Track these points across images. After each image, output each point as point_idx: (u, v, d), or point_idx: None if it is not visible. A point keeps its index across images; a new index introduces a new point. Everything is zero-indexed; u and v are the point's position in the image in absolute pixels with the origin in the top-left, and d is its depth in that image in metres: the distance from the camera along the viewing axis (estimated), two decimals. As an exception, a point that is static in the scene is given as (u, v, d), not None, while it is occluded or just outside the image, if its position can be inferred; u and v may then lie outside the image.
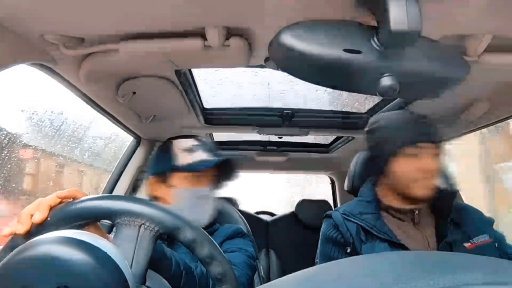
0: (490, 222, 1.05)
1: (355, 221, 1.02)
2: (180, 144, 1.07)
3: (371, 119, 1.09)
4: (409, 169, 0.95)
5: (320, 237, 1.12)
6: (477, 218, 1.04)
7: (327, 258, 1.06)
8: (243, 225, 1.30)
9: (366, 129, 1.09)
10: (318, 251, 1.26)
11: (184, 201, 0.99)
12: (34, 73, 0.91)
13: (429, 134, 0.96)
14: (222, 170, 1.07)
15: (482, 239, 0.98)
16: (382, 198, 1.06)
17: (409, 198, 0.98)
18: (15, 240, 0.54)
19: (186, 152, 1.03)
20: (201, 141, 1.09)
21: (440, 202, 1.01)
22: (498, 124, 1.38)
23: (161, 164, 1.06)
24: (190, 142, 1.07)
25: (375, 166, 1.05)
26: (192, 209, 0.97)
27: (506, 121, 1.32)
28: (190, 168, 1.00)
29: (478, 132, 1.54)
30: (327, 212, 1.12)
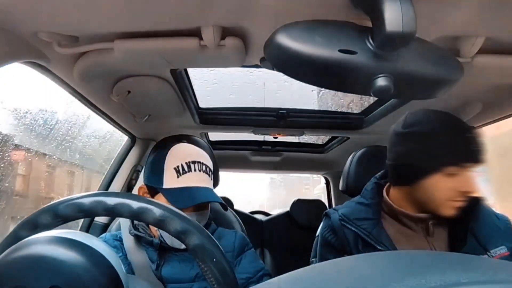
0: (507, 228, 0.94)
1: (351, 227, 0.95)
2: (174, 159, 0.95)
3: (409, 118, 0.92)
4: (446, 188, 0.85)
5: (318, 235, 1.06)
6: (493, 224, 0.94)
7: (324, 260, 1.00)
8: (238, 225, 1.30)
9: (400, 129, 0.93)
10: (316, 250, 1.25)
11: None
12: (28, 72, 0.90)
13: (478, 154, 0.85)
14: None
15: (500, 252, 0.89)
16: (394, 202, 0.95)
17: (431, 212, 0.89)
18: (8, 240, 0.54)
19: (176, 172, 0.93)
20: (196, 160, 0.97)
21: (462, 211, 0.90)
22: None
23: (150, 177, 0.97)
24: (184, 158, 0.95)
25: (404, 175, 0.92)
26: None
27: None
28: (170, 199, 0.90)
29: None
30: (327, 211, 1.06)
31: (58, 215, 0.55)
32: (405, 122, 0.93)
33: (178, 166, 0.94)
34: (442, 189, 0.85)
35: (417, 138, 0.88)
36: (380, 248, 0.90)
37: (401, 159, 0.91)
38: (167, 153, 0.97)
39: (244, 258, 1.03)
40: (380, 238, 0.92)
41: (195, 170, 0.95)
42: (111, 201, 0.56)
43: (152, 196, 0.95)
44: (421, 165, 0.87)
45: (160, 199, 0.93)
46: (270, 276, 1.03)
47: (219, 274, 0.55)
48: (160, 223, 0.56)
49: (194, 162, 0.96)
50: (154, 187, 0.95)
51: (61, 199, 0.57)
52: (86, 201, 0.56)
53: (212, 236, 0.58)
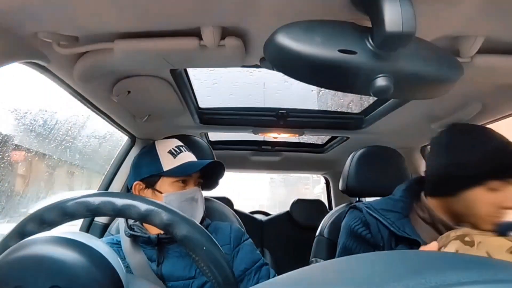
0: None
1: (376, 215, 0.96)
2: (163, 147, 1.04)
3: (451, 129, 0.93)
4: (487, 203, 0.83)
5: (343, 228, 1.05)
6: None
7: (349, 251, 1.00)
8: (238, 225, 1.30)
9: (442, 139, 0.93)
10: (316, 250, 1.23)
11: (175, 205, 0.95)
12: (27, 72, 0.90)
13: None
14: (209, 170, 1.05)
15: None
16: (435, 209, 0.93)
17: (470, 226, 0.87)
18: (8, 240, 0.53)
19: (171, 155, 1.02)
20: (179, 145, 1.07)
21: None
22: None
23: (145, 169, 1.02)
24: (172, 144, 1.05)
25: (444, 186, 0.91)
26: (184, 212, 0.95)
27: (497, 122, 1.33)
28: (177, 173, 0.99)
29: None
30: (356, 204, 1.06)
31: (44, 222, 0.55)
32: (447, 133, 0.93)
33: (170, 150, 1.03)
34: (483, 203, 0.84)
35: (459, 150, 0.88)
36: (401, 235, 0.90)
37: (442, 170, 0.91)
38: (154, 146, 1.05)
39: (242, 249, 1.04)
40: (403, 228, 0.91)
41: (184, 151, 1.05)
42: (94, 201, 0.56)
43: (152, 187, 1.01)
44: (462, 178, 0.86)
45: (163, 183, 1.00)
46: (268, 266, 1.04)
47: (210, 262, 0.55)
48: (145, 218, 0.56)
49: (180, 146, 1.06)
50: (154, 175, 1.00)
51: (46, 205, 0.56)
52: (70, 204, 0.56)
53: (200, 225, 0.58)
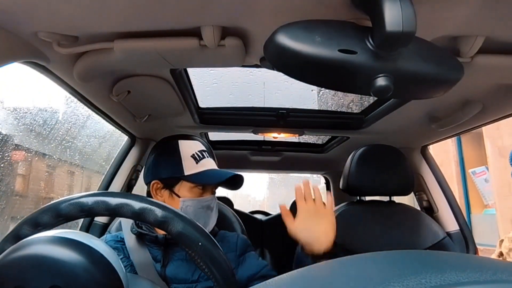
0: None
1: None
2: (187, 150, 1.02)
3: None
4: None
5: None
6: None
7: None
8: (238, 225, 1.30)
9: None
10: None
11: (190, 210, 0.97)
12: (27, 72, 0.90)
13: None
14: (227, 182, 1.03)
15: None
16: None
17: None
18: (4, 244, 0.54)
19: (193, 160, 1.01)
20: (204, 146, 1.07)
21: None
22: (472, 132, 1.38)
23: (166, 169, 1.01)
24: (195, 148, 1.04)
25: None
26: (198, 219, 0.94)
27: (485, 126, 1.33)
28: (198, 180, 0.98)
29: (455, 139, 1.55)
30: None
31: (39, 224, 0.55)
32: None
33: (193, 155, 1.01)
34: None
35: None
36: None
37: None
38: (177, 146, 1.03)
39: (248, 257, 1.04)
40: None
41: (206, 157, 1.04)
42: (88, 201, 0.56)
43: (170, 188, 1.00)
44: None
45: (182, 187, 0.99)
46: (274, 272, 1.04)
47: (207, 258, 0.55)
48: (139, 216, 0.56)
49: (202, 151, 1.04)
50: (174, 177, 0.99)
51: (40, 207, 0.57)
52: (63, 206, 0.56)
53: (194, 221, 0.58)
